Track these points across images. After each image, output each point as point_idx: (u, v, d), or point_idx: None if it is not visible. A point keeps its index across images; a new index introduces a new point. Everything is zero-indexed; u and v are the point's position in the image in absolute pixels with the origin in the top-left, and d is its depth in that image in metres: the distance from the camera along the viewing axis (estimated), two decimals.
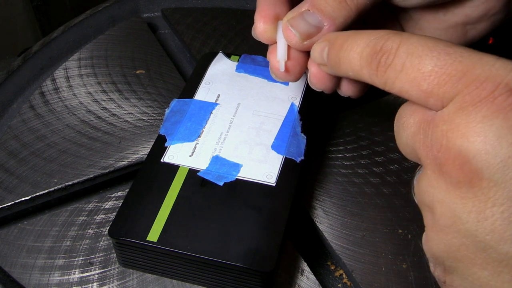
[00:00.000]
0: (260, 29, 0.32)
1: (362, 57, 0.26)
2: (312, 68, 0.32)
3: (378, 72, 0.25)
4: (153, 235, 0.31)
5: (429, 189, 0.24)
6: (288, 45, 0.32)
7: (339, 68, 0.28)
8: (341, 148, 0.42)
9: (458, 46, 0.23)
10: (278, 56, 0.32)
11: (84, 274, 0.34)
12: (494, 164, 0.21)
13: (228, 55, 0.44)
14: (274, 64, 0.33)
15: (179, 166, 0.35)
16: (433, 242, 0.24)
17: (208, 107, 0.39)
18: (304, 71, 0.33)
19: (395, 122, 0.26)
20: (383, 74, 0.25)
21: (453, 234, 0.23)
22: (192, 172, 0.34)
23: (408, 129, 0.25)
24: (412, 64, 0.24)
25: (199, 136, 0.37)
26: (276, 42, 0.33)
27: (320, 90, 0.33)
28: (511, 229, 0.21)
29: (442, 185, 0.23)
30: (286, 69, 0.33)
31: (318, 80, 0.33)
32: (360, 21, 0.37)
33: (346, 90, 0.34)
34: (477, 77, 0.22)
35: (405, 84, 0.24)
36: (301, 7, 0.30)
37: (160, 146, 0.36)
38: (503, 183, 0.21)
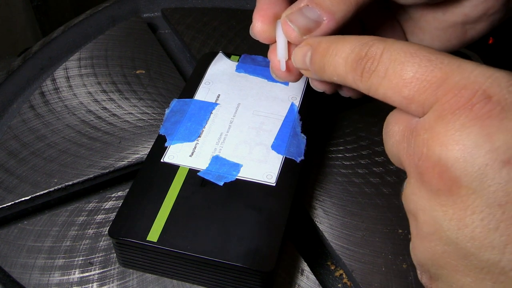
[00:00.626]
0: (258, 28, 0.32)
1: (347, 63, 0.26)
2: (307, 75, 0.32)
3: (362, 78, 0.25)
4: (153, 235, 0.31)
5: (412, 197, 0.24)
6: (289, 44, 0.32)
7: (324, 73, 0.28)
8: (341, 148, 0.42)
9: (440, 52, 0.23)
10: (279, 56, 0.32)
11: (84, 274, 0.34)
12: (472, 172, 0.21)
13: (228, 55, 0.44)
14: (275, 63, 0.33)
15: (179, 166, 0.35)
16: (418, 249, 0.25)
17: (208, 107, 0.39)
18: None
19: (383, 129, 0.27)
20: (367, 80, 0.25)
21: (436, 242, 0.23)
22: (192, 172, 0.34)
23: (393, 137, 0.25)
24: (394, 70, 0.24)
25: (199, 136, 0.37)
26: (275, 42, 0.33)
27: (322, 91, 0.33)
28: (491, 237, 0.21)
29: (424, 193, 0.23)
30: (287, 69, 0.33)
31: (319, 81, 0.33)
32: (359, 22, 0.37)
33: (347, 91, 0.34)
34: (456, 85, 0.22)
35: (388, 90, 0.24)
36: (300, 3, 0.30)
37: (160, 146, 0.36)
38: (481, 190, 0.21)
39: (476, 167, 0.21)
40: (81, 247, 0.36)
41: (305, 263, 0.35)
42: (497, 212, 0.20)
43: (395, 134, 0.25)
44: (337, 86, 0.33)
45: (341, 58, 0.26)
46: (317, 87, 0.33)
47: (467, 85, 0.22)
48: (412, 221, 0.25)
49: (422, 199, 0.23)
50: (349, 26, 0.36)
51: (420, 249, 0.24)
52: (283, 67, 0.32)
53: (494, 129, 0.20)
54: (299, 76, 0.33)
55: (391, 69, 0.24)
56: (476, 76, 0.22)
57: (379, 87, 0.25)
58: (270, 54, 0.33)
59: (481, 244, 0.21)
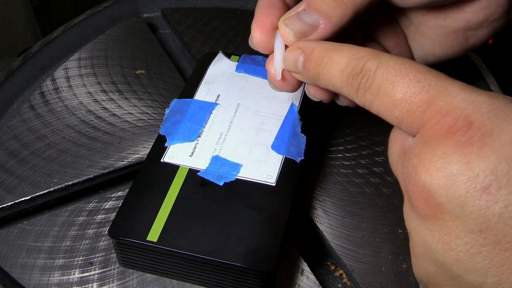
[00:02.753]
0: (257, 39, 0.32)
1: (343, 76, 0.26)
2: (298, 78, 0.32)
3: (358, 93, 0.26)
4: (153, 235, 0.31)
5: (406, 217, 0.25)
6: None
7: (318, 81, 0.28)
8: (341, 148, 0.42)
9: (431, 71, 0.24)
10: (275, 64, 0.32)
11: (84, 274, 0.34)
12: (454, 199, 0.21)
13: (228, 55, 0.44)
14: (272, 73, 0.33)
15: (179, 166, 0.35)
16: (415, 267, 0.26)
17: (208, 107, 0.39)
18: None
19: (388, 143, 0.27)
20: (362, 95, 0.26)
21: (428, 262, 0.24)
22: (192, 172, 0.34)
23: (391, 156, 0.27)
24: (385, 90, 0.24)
25: (199, 136, 0.37)
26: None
27: (318, 100, 0.34)
28: (474, 260, 0.22)
29: (414, 216, 0.24)
30: (283, 78, 0.33)
31: (316, 90, 0.33)
32: (360, 27, 0.37)
33: (344, 100, 0.34)
34: (440, 110, 0.22)
35: (380, 108, 0.25)
36: (298, 8, 0.30)
37: (160, 146, 0.36)
38: (463, 217, 0.21)
39: (457, 195, 0.21)
40: (81, 247, 0.36)
41: (305, 263, 0.35)
42: (479, 238, 0.21)
43: (393, 153, 0.26)
44: (333, 95, 0.33)
45: (336, 71, 0.27)
46: (314, 96, 0.33)
47: (450, 111, 0.22)
48: (410, 238, 0.26)
49: (413, 221, 0.24)
50: (350, 31, 0.36)
51: (417, 267, 0.25)
52: (278, 75, 0.32)
53: (473, 156, 0.21)
54: (296, 86, 0.33)
55: (383, 88, 0.24)
56: (459, 101, 0.22)
57: (373, 104, 0.25)
58: (267, 64, 0.33)
59: (465, 267, 0.22)
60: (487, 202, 0.21)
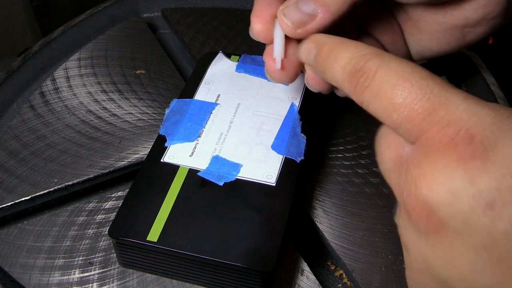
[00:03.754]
0: (257, 29, 0.32)
1: (344, 72, 0.26)
2: (309, 70, 0.32)
3: (356, 91, 0.25)
4: (153, 235, 0.31)
5: (403, 231, 0.24)
6: (286, 43, 0.32)
7: (325, 75, 0.28)
8: (341, 148, 0.42)
9: (433, 78, 0.23)
10: (275, 54, 0.32)
11: (84, 274, 0.34)
12: (457, 215, 0.21)
13: (228, 55, 0.44)
14: (270, 64, 0.33)
15: (179, 166, 0.35)
16: (411, 281, 0.25)
17: (208, 107, 0.39)
18: (300, 71, 0.33)
19: (376, 146, 0.26)
20: (360, 94, 0.25)
21: (428, 278, 0.23)
22: (192, 172, 0.34)
23: (384, 164, 0.25)
24: (385, 92, 0.24)
25: (199, 136, 0.37)
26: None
27: (318, 92, 0.33)
28: (478, 277, 0.21)
29: (413, 232, 0.23)
30: (282, 67, 0.33)
31: (315, 81, 0.33)
32: (354, 21, 0.37)
33: (342, 92, 0.34)
34: (441, 120, 0.22)
35: (378, 110, 0.24)
36: None
37: (160, 146, 0.36)
38: (467, 234, 0.21)
39: (461, 211, 0.21)
40: (81, 247, 0.36)
41: (305, 263, 0.35)
42: (483, 255, 0.21)
43: (386, 161, 0.25)
44: (332, 87, 0.33)
45: (339, 66, 0.26)
46: (313, 87, 0.33)
47: (451, 121, 0.21)
48: (404, 252, 0.25)
49: (411, 235, 0.24)
50: (344, 25, 0.36)
51: (415, 282, 0.25)
52: (278, 65, 0.32)
53: (477, 171, 0.20)
54: (293, 76, 0.33)
55: (383, 90, 0.24)
56: (461, 112, 0.21)
57: (370, 104, 0.25)
58: (265, 55, 0.33)
59: (469, 284, 0.21)
60: (491, 219, 0.20)
